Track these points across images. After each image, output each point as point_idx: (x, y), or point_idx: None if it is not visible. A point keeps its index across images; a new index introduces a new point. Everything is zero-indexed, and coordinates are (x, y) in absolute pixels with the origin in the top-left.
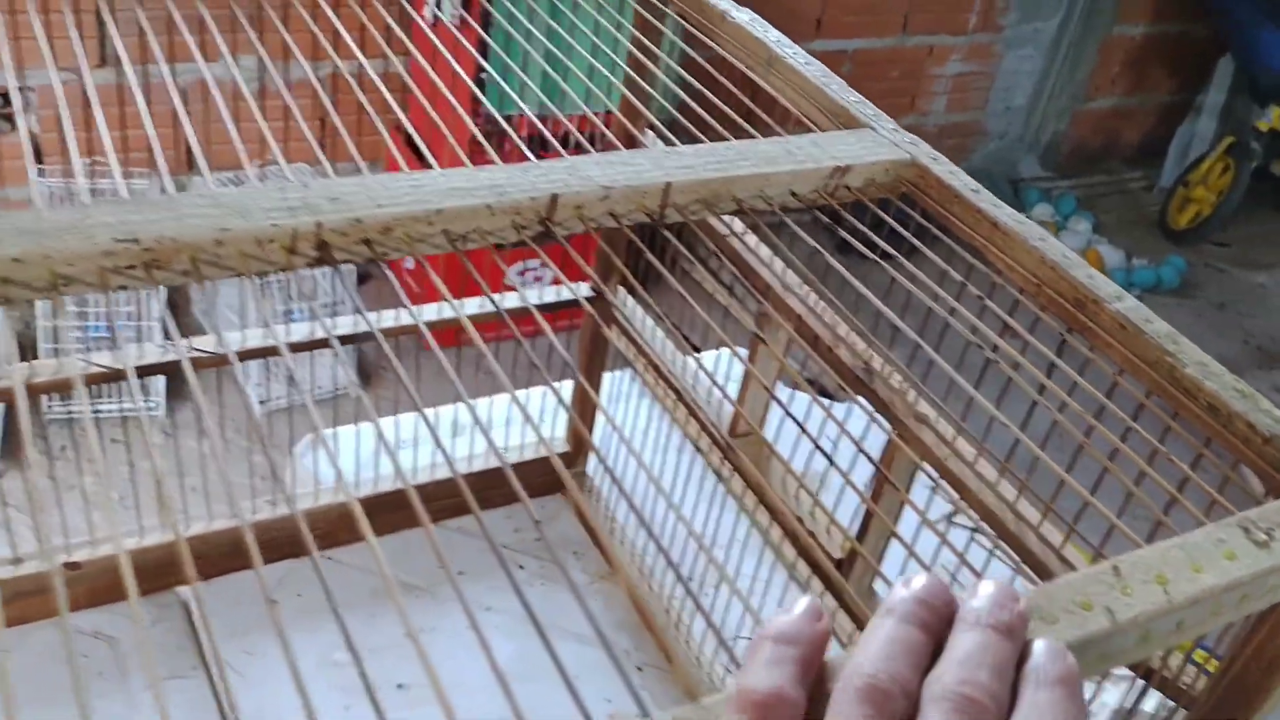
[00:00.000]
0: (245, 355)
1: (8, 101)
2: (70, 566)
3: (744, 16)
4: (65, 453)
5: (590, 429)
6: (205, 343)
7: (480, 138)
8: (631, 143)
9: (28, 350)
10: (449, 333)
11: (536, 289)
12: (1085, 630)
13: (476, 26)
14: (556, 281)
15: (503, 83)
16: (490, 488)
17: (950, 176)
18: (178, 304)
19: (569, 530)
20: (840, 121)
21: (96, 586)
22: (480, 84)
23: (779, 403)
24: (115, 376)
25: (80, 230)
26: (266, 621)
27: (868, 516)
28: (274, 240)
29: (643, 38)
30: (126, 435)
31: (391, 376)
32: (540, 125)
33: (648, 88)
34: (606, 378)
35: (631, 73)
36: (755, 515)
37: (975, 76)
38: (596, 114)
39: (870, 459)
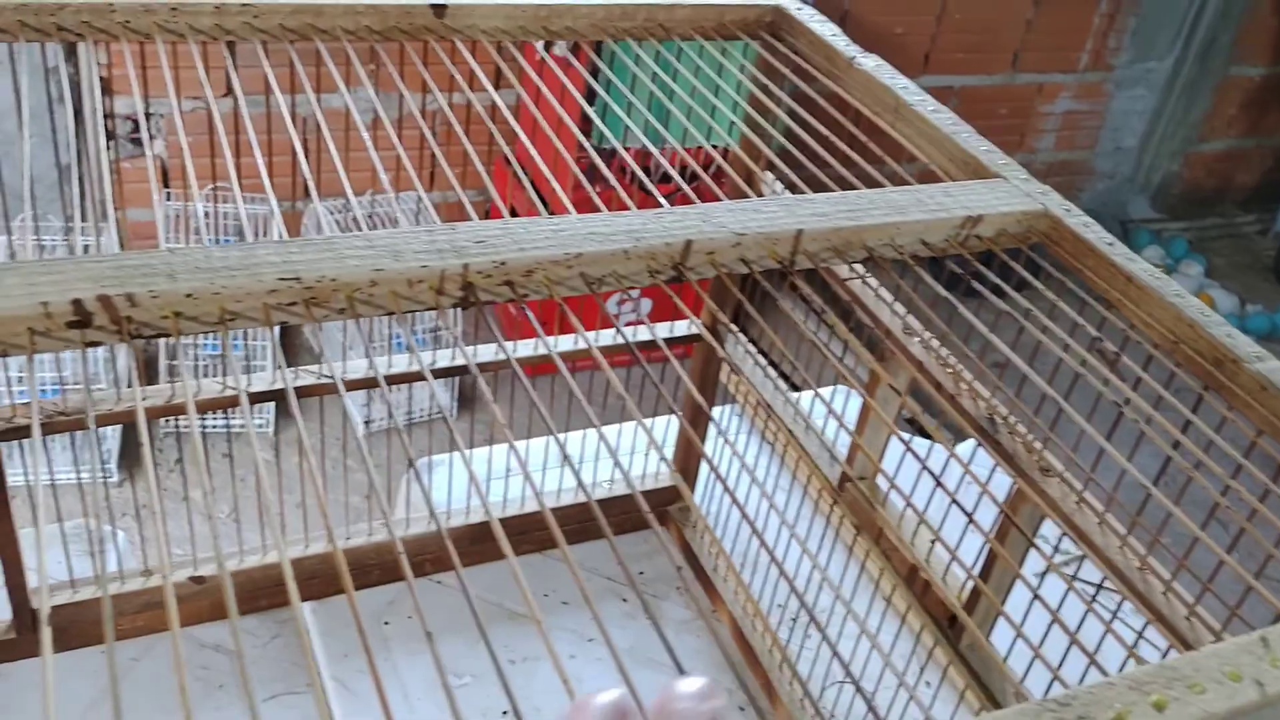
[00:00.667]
0: (393, 380)
1: (138, 127)
2: (196, 580)
3: (870, 63)
4: (179, 466)
5: (696, 464)
6: (333, 370)
7: (599, 163)
8: (751, 181)
9: (145, 366)
10: (544, 365)
11: (632, 321)
12: (1234, 702)
13: (590, 52)
14: (665, 313)
15: (621, 112)
16: (591, 518)
17: (1084, 229)
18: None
19: (671, 565)
20: (970, 170)
21: (219, 600)
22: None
23: (904, 442)
24: (271, 398)
25: (247, 269)
26: (379, 641)
27: (988, 566)
28: (424, 281)
29: (764, 78)
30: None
31: (489, 403)
32: (659, 156)
33: (769, 128)
34: (713, 412)
35: (753, 112)
36: (867, 561)
37: (1085, 115)
38: (716, 148)
39: (996, 501)
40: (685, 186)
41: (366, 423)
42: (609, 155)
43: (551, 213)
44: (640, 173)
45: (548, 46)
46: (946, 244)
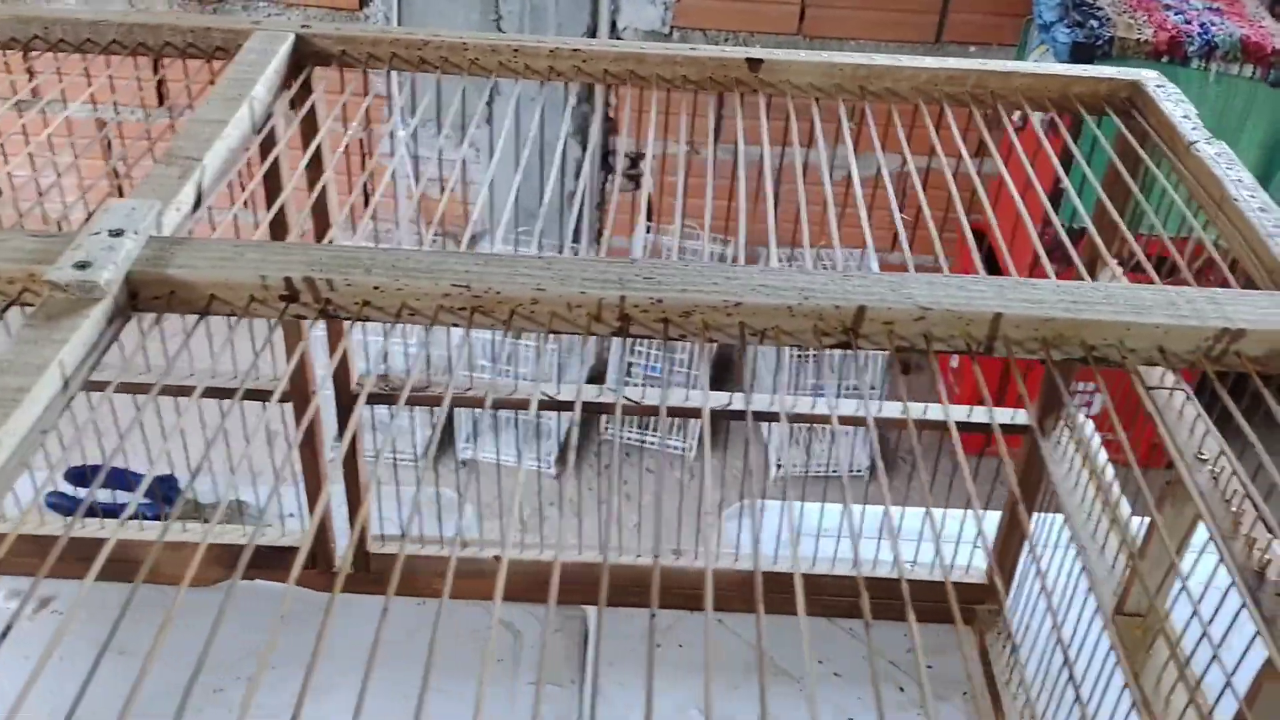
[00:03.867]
0: (761, 416)
1: (635, 164)
2: (495, 559)
3: (1210, 150)
4: (607, 470)
5: (1013, 566)
6: (737, 400)
7: (1066, 241)
8: (1093, 268)
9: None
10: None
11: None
12: None
13: (1065, 133)
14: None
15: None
16: (891, 596)
17: None
18: (731, 360)
19: (965, 666)
20: (1276, 280)
21: (521, 583)
22: (1059, 193)
23: (1188, 591)
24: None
25: (430, 273)
26: (642, 661)
27: None
28: (581, 306)
29: (1118, 163)
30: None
31: (906, 467)
32: (1133, 243)
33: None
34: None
35: (1102, 194)
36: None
37: None
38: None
39: (1236, 696)
40: (1155, 275)
41: (779, 465)
42: (1078, 235)
43: None
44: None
45: (1024, 116)
46: (1193, 356)
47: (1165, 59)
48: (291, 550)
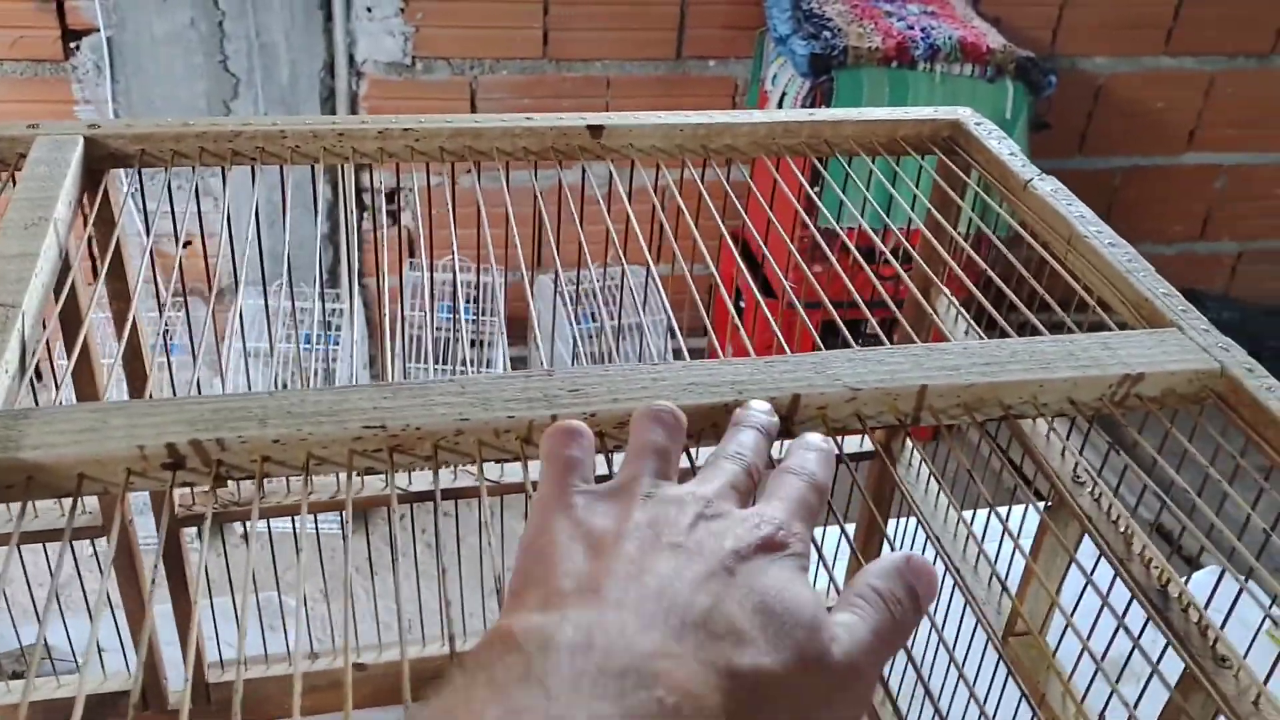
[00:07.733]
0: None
1: (391, 200)
2: (358, 667)
3: (1047, 187)
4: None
5: None
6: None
7: (822, 243)
8: (929, 293)
9: None
10: None
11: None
12: None
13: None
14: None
15: (839, 192)
16: None
17: (1267, 395)
18: None
19: None
20: (1143, 315)
21: (380, 688)
22: (816, 194)
23: (1065, 615)
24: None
25: (335, 416)
26: None
27: None
28: (510, 431)
29: (947, 189)
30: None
31: None
32: (876, 239)
33: (942, 249)
34: (900, 523)
35: (925, 231)
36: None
37: None
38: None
39: (1167, 685)
40: (901, 270)
41: None
42: (832, 236)
43: (769, 291)
44: (858, 254)
45: None
46: (1100, 403)
47: (895, 64)
48: (117, 695)
